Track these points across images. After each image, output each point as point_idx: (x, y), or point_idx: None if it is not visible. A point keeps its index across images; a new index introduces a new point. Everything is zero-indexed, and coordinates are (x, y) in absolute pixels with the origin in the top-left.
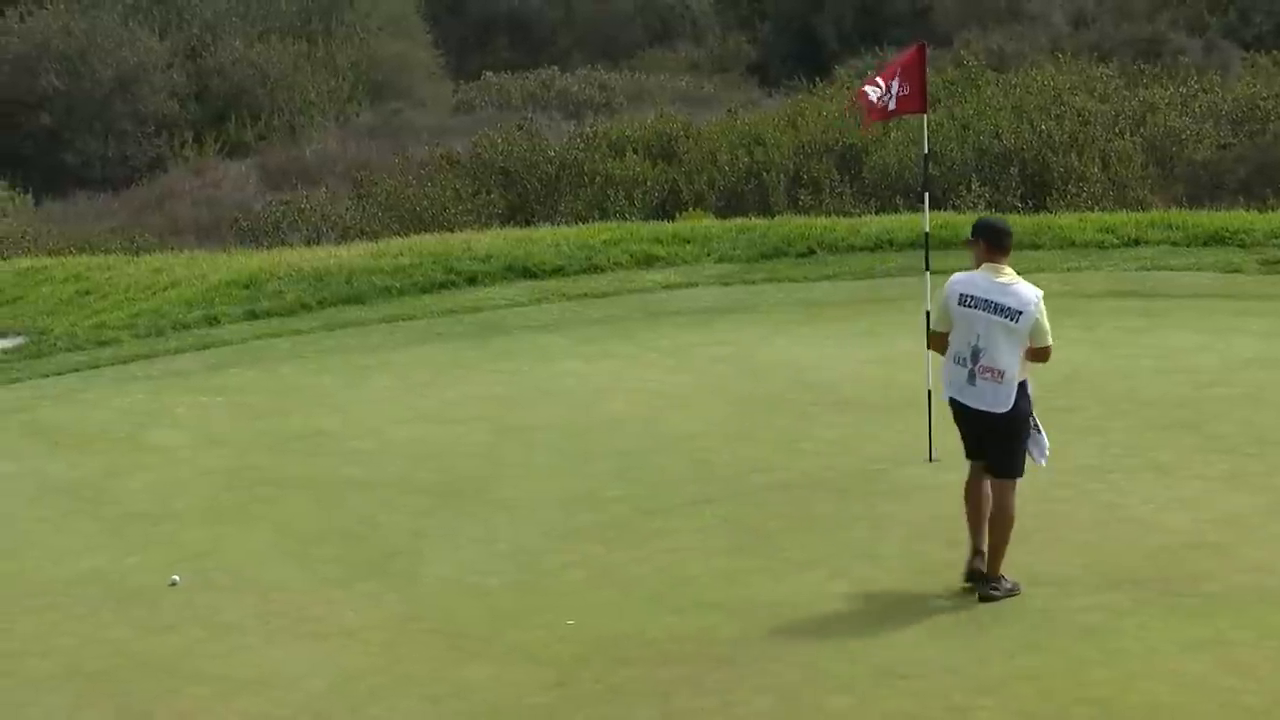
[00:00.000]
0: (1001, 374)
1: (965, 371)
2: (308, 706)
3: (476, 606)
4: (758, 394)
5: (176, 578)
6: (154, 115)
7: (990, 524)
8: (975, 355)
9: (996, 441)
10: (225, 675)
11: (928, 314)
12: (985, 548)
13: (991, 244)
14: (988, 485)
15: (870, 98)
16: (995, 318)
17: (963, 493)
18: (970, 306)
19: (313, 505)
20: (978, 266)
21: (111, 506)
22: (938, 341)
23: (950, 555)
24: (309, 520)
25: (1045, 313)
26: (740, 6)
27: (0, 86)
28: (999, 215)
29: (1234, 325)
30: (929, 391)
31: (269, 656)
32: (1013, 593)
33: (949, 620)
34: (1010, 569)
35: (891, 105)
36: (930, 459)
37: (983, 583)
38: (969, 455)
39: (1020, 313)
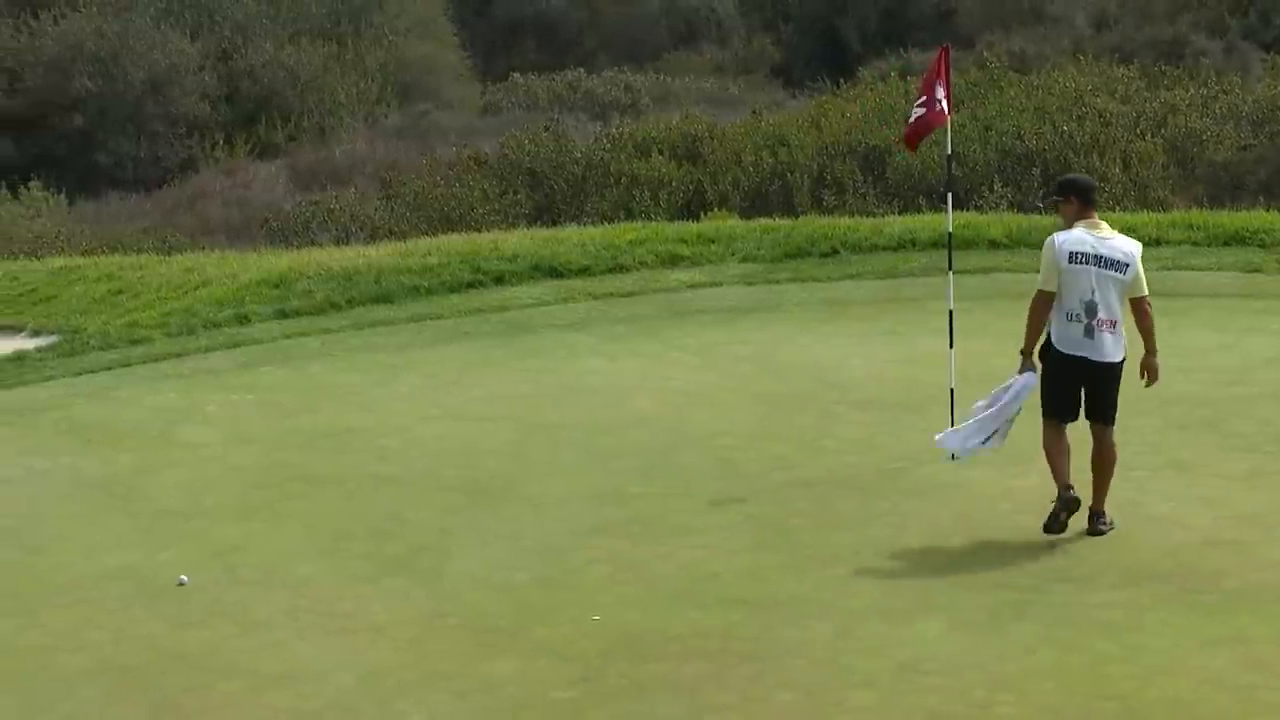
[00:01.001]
0: (1116, 324)
1: (1081, 326)
2: (337, 701)
3: (503, 602)
4: (781, 392)
5: (185, 577)
6: (185, 117)
7: (1098, 467)
8: (1091, 310)
9: (1104, 389)
10: (255, 670)
11: (950, 313)
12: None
13: (1082, 200)
14: (1067, 435)
15: (916, 117)
16: (1107, 272)
17: (1043, 446)
18: (1081, 263)
19: (341, 502)
20: (1070, 225)
21: (143, 503)
22: (1044, 301)
23: (972, 552)
24: (338, 517)
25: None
26: (764, 9)
27: (34, 88)
28: (1079, 173)
29: (1254, 325)
30: (951, 390)
31: (298, 652)
32: (1112, 526)
33: (970, 617)
34: (1031, 565)
35: (940, 107)
36: (952, 458)
37: (1095, 520)
38: (1059, 416)
39: (1128, 265)
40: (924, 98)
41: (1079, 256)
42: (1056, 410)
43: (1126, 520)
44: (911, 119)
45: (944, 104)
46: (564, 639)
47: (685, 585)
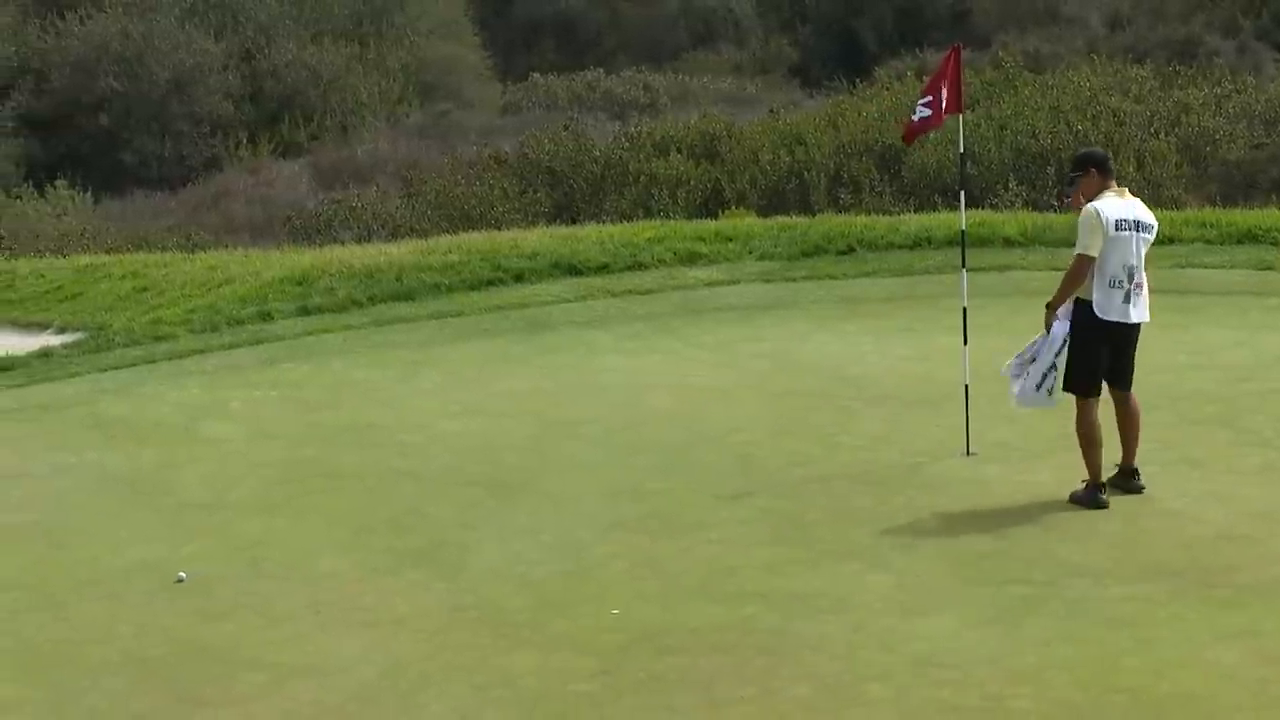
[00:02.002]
0: (1145, 286)
1: (1122, 292)
2: (358, 693)
3: (522, 596)
4: (798, 389)
5: (183, 574)
6: (209, 116)
7: (1125, 427)
8: (1131, 274)
9: (1128, 351)
10: (278, 662)
11: (964, 310)
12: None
13: (1102, 170)
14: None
15: (920, 117)
16: (1143, 235)
17: (1083, 430)
18: (1125, 230)
19: (363, 496)
20: (1095, 196)
21: (167, 497)
22: (1086, 265)
23: (987, 547)
24: (359, 511)
25: None
26: (782, 10)
27: (60, 88)
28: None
29: (1266, 322)
30: (966, 386)
31: (321, 644)
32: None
33: (985, 611)
34: (1045, 560)
35: (943, 109)
36: (967, 453)
37: (1130, 478)
38: (1094, 390)
39: (1153, 225)
40: (929, 97)
41: (1124, 223)
42: (1093, 383)
43: (1140, 515)
44: (915, 117)
45: (945, 105)
46: (583, 633)
47: (703, 580)
